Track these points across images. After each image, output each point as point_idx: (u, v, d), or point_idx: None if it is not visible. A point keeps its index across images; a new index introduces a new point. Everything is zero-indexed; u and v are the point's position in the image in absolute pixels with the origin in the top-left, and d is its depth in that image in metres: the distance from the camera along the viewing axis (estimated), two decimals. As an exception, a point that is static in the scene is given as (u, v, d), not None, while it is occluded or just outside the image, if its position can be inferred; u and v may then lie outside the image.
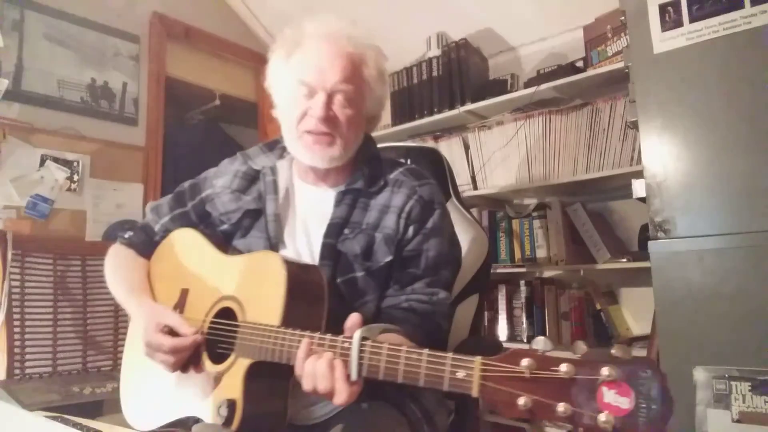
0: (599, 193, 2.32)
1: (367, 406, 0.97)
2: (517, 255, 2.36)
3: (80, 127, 2.46)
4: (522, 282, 2.34)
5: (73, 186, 2.39)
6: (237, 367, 0.90)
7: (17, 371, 2.03)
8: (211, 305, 1.01)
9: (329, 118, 1.01)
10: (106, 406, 1.90)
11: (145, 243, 1.19)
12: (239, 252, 1.09)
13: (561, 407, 0.59)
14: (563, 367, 0.60)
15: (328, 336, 0.80)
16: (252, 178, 1.14)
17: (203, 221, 1.17)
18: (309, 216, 1.10)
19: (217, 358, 0.95)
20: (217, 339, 0.96)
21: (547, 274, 2.41)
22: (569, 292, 2.25)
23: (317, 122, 1.01)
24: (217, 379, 0.92)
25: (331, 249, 1.03)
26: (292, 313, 0.87)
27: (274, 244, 1.06)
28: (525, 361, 0.62)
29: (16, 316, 2.07)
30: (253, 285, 0.96)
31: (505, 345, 2.22)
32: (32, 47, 2.35)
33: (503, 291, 2.36)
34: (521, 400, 0.61)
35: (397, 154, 1.60)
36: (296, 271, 0.91)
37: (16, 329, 2.06)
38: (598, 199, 2.33)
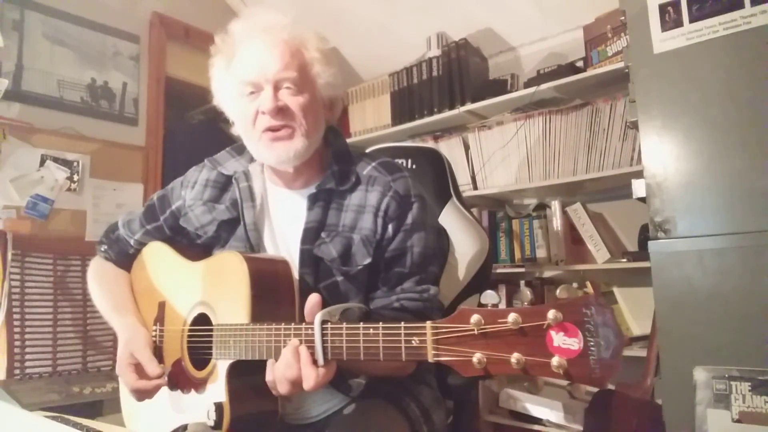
0: (599, 193, 2.32)
1: (365, 404, 0.97)
2: (517, 255, 2.36)
3: (80, 127, 2.46)
4: (522, 282, 2.34)
5: (73, 186, 2.39)
6: (218, 370, 0.91)
7: (17, 371, 2.03)
8: (186, 313, 1.01)
9: (280, 109, 0.97)
10: (106, 406, 1.90)
11: (121, 255, 1.19)
12: (205, 256, 1.07)
13: (514, 359, 0.59)
14: (510, 317, 0.60)
15: (292, 325, 0.81)
16: (223, 185, 1.11)
17: (178, 233, 1.15)
18: (284, 221, 1.07)
19: (201, 365, 0.95)
20: (196, 346, 0.97)
21: (547, 274, 2.41)
22: (569, 292, 2.24)
23: (270, 117, 0.97)
24: (203, 384, 0.94)
25: (309, 255, 1.00)
26: (260, 309, 0.88)
27: (256, 251, 1.04)
28: (473, 318, 0.62)
29: (16, 316, 2.07)
30: (218, 287, 0.96)
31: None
32: (32, 47, 2.35)
33: (503, 291, 2.36)
34: (475, 358, 0.61)
35: (396, 154, 1.59)
36: (259, 266, 0.91)
37: (16, 329, 2.06)
38: (598, 199, 2.33)
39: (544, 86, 2.23)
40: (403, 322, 0.69)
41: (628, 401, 1.67)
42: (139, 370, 0.97)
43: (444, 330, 0.65)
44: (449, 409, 1.27)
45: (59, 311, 2.21)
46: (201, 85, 3.52)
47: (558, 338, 0.57)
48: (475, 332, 0.62)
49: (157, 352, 1.04)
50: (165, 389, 1.00)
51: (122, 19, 2.66)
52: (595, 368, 0.55)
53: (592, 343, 0.55)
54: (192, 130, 3.58)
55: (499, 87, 2.45)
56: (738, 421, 1.09)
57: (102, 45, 2.58)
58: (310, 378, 0.76)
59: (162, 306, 1.07)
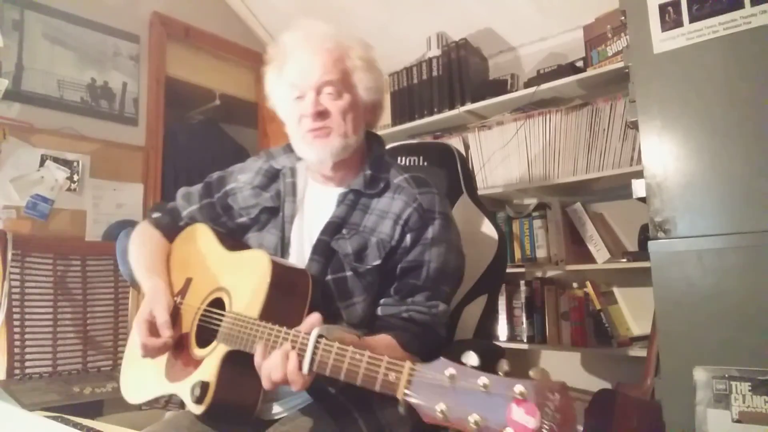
0: (599, 193, 2.32)
1: (320, 413, 0.99)
2: (517, 255, 2.36)
3: (80, 127, 2.46)
4: (522, 282, 2.34)
5: (73, 186, 2.39)
6: (216, 353, 0.95)
7: (17, 371, 2.03)
8: (207, 294, 1.07)
9: (320, 113, 1.05)
10: (106, 406, 1.90)
11: (170, 226, 1.24)
12: (241, 248, 1.13)
13: (472, 418, 0.61)
14: (481, 380, 0.62)
15: (292, 331, 0.85)
16: (272, 176, 1.19)
17: (226, 212, 1.22)
18: (313, 213, 1.13)
19: (205, 344, 1.00)
20: (206, 325, 1.01)
21: (547, 274, 2.41)
22: (569, 292, 2.25)
23: (311, 120, 1.05)
24: (199, 362, 0.98)
25: (324, 246, 1.06)
26: (271, 309, 0.93)
27: (287, 243, 1.11)
28: (448, 371, 0.65)
29: (16, 316, 2.07)
30: (242, 279, 1.02)
31: (505, 345, 2.22)
32: (32, 47, 2.35)
33: (503, 291, 2.36)
34: (438, 407, 0.64)
35: (407, 151, 1.58)
36: (282, 272, 0.97)
37: (16, 329, 2.06)
38: (598, 199, 2.33)
39: (544, 86, 2.23)
40: (386, 356, 0.73)
41: (628, 401, 1.67)
42: (152, 328, 1.01)
43: (419, 373, 0.68)
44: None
45: (59, 311, 2.21)
46: (201, 85, 3.54)
47: (518, 412, 0.60)
48: (446, 385, 0.65)
49: (171, 321, 1.08)
50: (162, 358, 1.04)
51: (122, 19, 2.66)
52: None
53: (546, 427, 0.58)
54: (192, 130, 3.59)
55: (499, 87, 2.45)
56: (738, 421, 1.10)
57: (102, 45, 2.58)
58: (297, 383, 0.81)
59: (188, 282, 1.13)
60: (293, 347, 0.82)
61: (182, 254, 1.21)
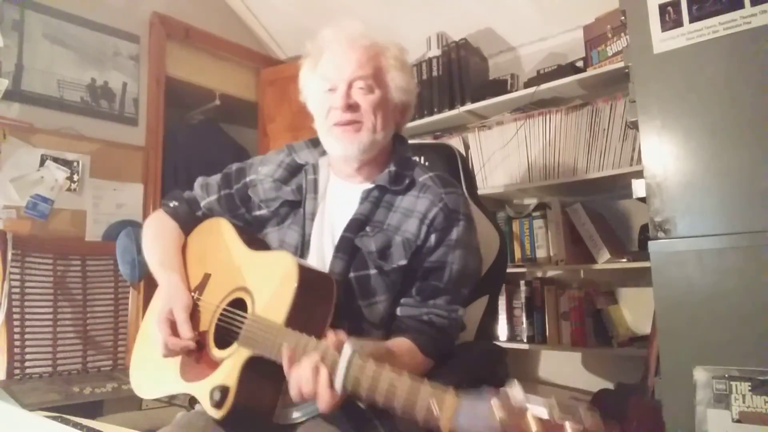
0: (599, 193, 2.32)
1: (339, 418, 0.98)
2: (517, 255, 2.36)
3: (80, 127, 2.46)
4: (522, 282, 2.34)
5: (73, 186, 2.39)
6: (237, 356, 0.92)
7: (17, 371, 2.02)
8: (227, 293, 1.04)
9: (350, 106, 1.05)
10: (106, 406, 1.89)
11: (188, 216, 1.22)
12: (263, 247, 1.12)
13: None
14: (530, 416, 0.61)
15: (322, 342, 0.82)
16: (294, 170, 1.18)
17: (245, 204, 1.20)
18: (336, 209, 1.12)
19: (223, 344, 0.97)
20: (226, 326, 0.99)
21: (547, 274, 2.41)
22: (569, 292, 2.24)
23: (341, 112, 1.05)
24: (218, 363, 0.95)
25: (348, 243, 1.05)
26: (296, 315, 0.90)
27: (307, 240, 1.09)
28: (498, 412, 0.62)
29: (16, 316, 2.07)
30: (266, 281, 0.99)
31: (505, 346, 2.22)
32: (32, 47, 2.35)
33: (503, 291, 2.36)
34: None
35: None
36: (308, 276, 0.94)
37: (16, 329, 2.06)
38: (598, 199, 2.33)
39: (544, 86, 2.23)
40: (426, 379, 0.71)
41: (628, 401, 1.67)
42: (174, 327, 0.99)
43: (465, 406, 0.66)
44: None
45: (59, 311, 2.21)
46: (201, 85, 3.53)
47: None
48: (494, 424, 0.62)
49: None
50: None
51: (122, 19, 2.66)
52: None
53: None
54: (192, 130, 3.59)
55: (499, 87, 2.45)
56: (738, 421, 1.10)
57: (102, 45, 2.58)
58: (325, 400, 0.79)
59: (207, 277, 1.11)
60: (321, 359, 0.80)
61: (200, 248, 1.18)
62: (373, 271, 1.04)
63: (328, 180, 1.16)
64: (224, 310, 1.02)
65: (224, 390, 0.88)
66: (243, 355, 0.91)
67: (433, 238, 1.05)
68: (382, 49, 1.10)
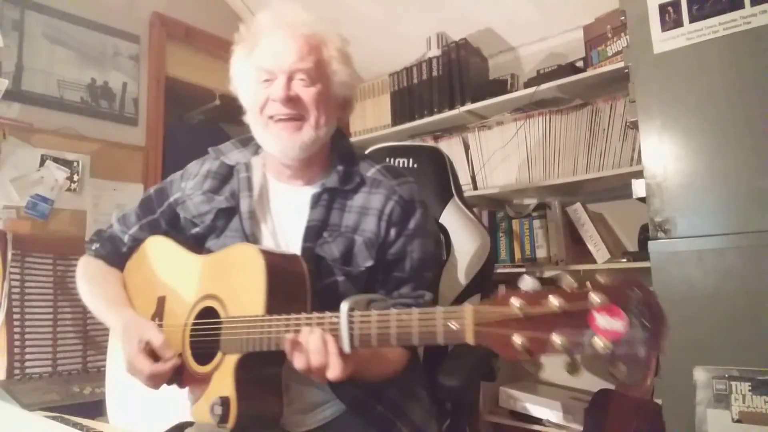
0: (599, 193, 2.32)
1: (358, 421, 0.97)
2: (517, 255, 2.36)
3: (80, 127, 2.45)
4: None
5: (73, 186, 2.39)
6: (226, 364, 0.89)
7: (17, 371, 2.02)
8: (190, 308, 0.99)
9: (291, 99, 0.98)
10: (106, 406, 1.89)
11: (113, 254, 1.16)
12: (200, 250, 1.07)
13: (557, 340, 0.58)
14: (553, 301, 0.59)
15: (315, 314, 0.80)
16: (224, 176, 1.11)
17: (173, 227, 1.14)
18: (285, 217, 1.06)
19: (203, 360, 0.93)
20: (201, 340, 0.94)
21: (547, 274, 2.41)
22: (569, 292, 2.24)
23: (280, 105, 0.98)
24: (206, 379, 0.91)
25: (311, 254, 0.99)
26: (275, 301, 0.86)
27: (251, 242, 1.03)
28: (515, 301, 0.61)
29: (16, 316, 2.07)
30: (232, 280, 0.94)
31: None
32: (32, 47, 2.34)
33: (503, 291, 2.36)
34: (517, 339, 0.61)
35: (397, 153, 1.59)
36: (274, 260, 0.90)
37: (16, 329, 2.06)
38: (598, 199, 2.33)
39: (544, 86, 2.23)
40: (441, 307, 0.69)
41: (628, 401, 1.67)
42: (152, 355, 0.93)
43: (485, 313, 0.64)
44: (447, 410, 1.27)
45: (59, 311, 2.21)
46: (201, 85, 3.53)
47: (602, 320, 0.56)
48: (519, 315, 0.61)
49: None
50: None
51: (122, 19, 2.66)
52: (641, 349, 0.55)
53: (637, 324, 0.55)
54: (192, 130, 3.59)
55: (499, 87, 2.45)
56: (738, 421, 1.10)
57: (102, 45, 2.58)
58: (336, 367, 0.76)
59: (161, 301, 1.05)
60: (323, 331, 0.77)
61: (144, 275, 1.11)
62: (340, 278, 1.00)
63: (265, 180, 1.10)
64: (193, 324, 0.97)
65: (224, 401, 0.84)
66: (231, 360, 0.88)
67: (392, 232, 1.02)
68: (324, 39, 1.02)
